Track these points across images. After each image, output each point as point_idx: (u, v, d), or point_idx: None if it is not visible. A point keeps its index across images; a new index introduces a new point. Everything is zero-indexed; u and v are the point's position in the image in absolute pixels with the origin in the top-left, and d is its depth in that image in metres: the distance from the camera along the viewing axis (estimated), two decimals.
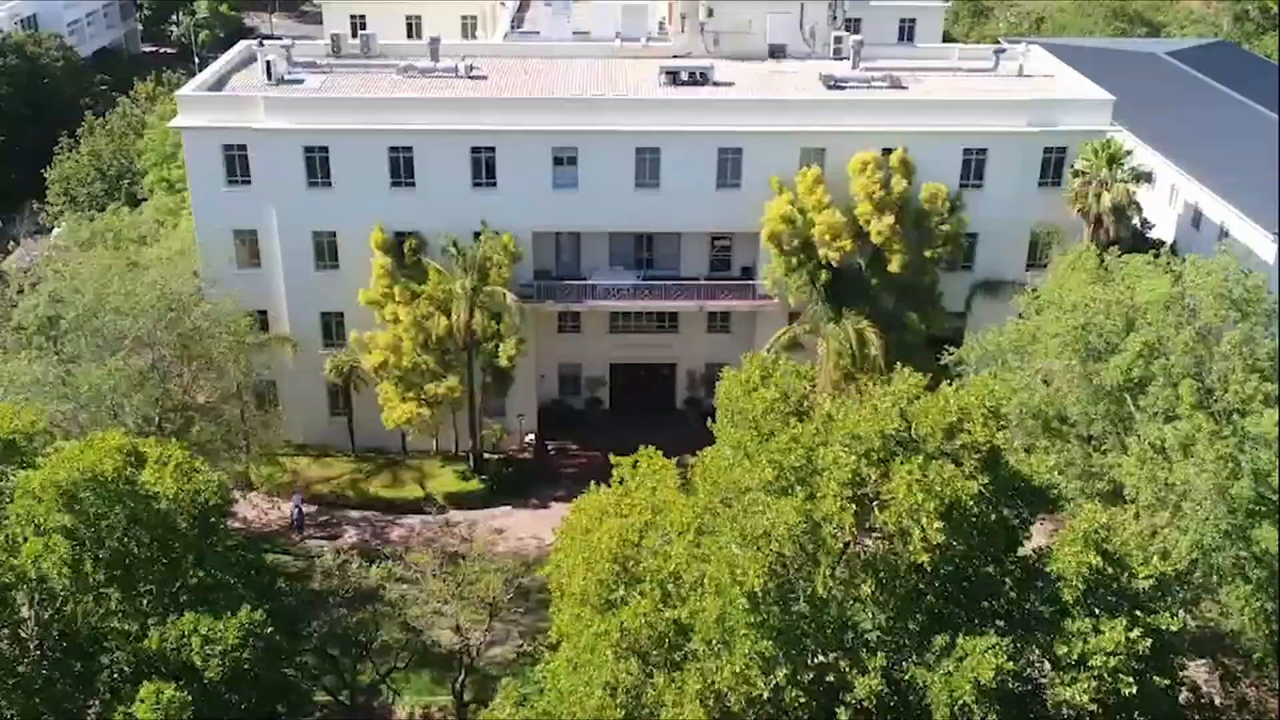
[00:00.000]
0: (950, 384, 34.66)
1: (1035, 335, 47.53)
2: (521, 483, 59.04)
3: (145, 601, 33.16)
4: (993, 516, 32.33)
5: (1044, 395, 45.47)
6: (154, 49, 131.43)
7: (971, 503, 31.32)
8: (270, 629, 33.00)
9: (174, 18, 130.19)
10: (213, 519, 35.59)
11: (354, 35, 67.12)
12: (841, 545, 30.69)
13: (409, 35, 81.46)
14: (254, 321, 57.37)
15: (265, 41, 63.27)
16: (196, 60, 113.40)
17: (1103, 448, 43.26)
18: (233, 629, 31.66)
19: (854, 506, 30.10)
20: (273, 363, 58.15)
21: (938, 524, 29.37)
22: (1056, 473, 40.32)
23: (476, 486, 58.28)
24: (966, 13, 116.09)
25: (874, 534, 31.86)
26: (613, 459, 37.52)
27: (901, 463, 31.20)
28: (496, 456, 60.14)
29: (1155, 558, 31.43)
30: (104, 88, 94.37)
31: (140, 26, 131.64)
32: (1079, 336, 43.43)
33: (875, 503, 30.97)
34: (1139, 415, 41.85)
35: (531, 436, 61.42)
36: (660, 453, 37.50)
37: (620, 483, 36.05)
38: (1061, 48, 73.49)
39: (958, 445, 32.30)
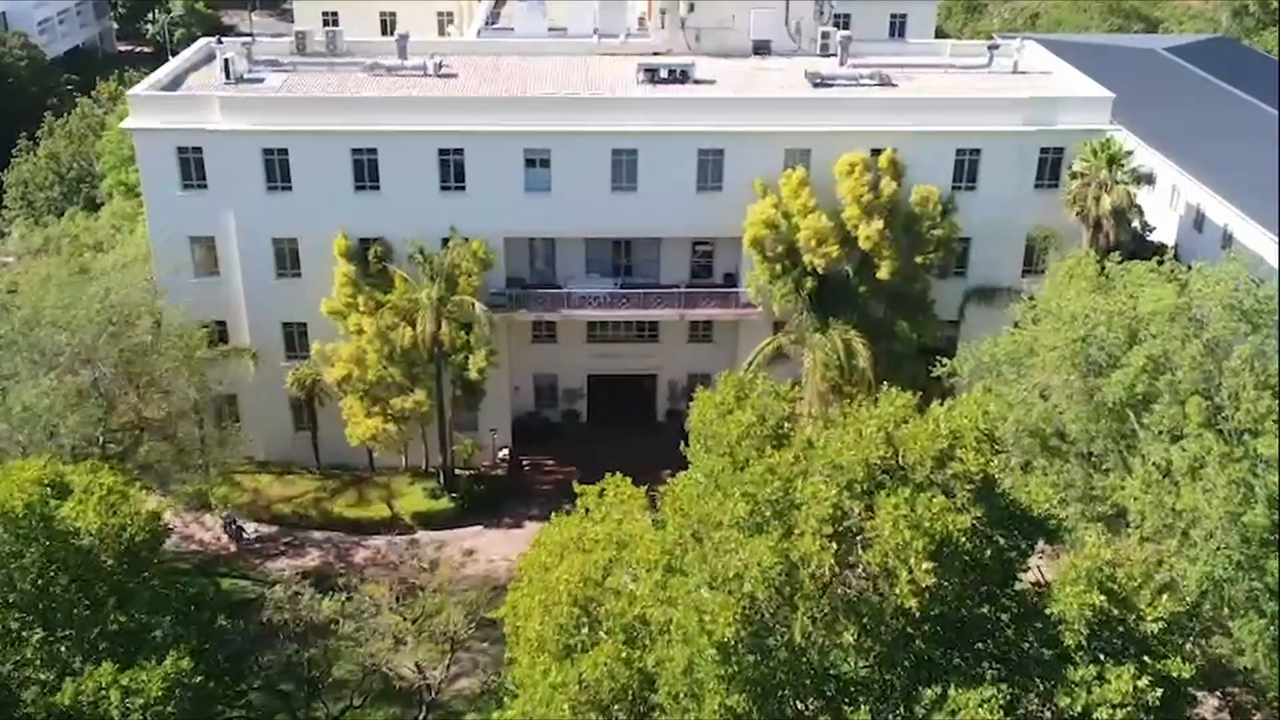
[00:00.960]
0: (942, 402, 32.00)
1: (1032, 347, 44.90)
2: (494, 500, 56.34)
3: (64, 648, 30.41)
4: (987, 551, 29.72)
5: (1041, 411, 42.84)
6: (130, 48, 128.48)
7: (964, 539, 28.67)
8: (201, 676, 30.24)
9: (149, 16, 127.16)
10: (143, 554, 32.94)
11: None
12: (821, 586, 27.99)
13: (384, 32, 78.60)
14: (211, 333, 54.80)
15: (224, 38, 60.44)
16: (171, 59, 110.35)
17: (1104, 467, 40.63)
18: (156, 680, 28.94)
19: (835, 545, 27.43)
20: (232, 375, 55.39)
21: (927, 564, 26.76)
22: (1056, 496, 37.77)
23: (446, 505, 55.56)
24: (960, 9, 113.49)
25: (857, 571, 29.18)
26: (577, 487, 34.68)
27: (888, 495, 28.56)
28: (468, 472, 57.42)
29: (1165, 598, 28.77)
30: (69, 88, 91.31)
31: (115, 25, 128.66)
32: (1079, 349, 40.81)
33: (859, 539, 28.31)
34: (1143, 434, 39.22)
35: (505, 451, 58.71)
36: (628, 480, 34.66)
37: (585, 513, 33.13)
38: (1057, 44, 70.89)
39: (949, 475, 29.66)
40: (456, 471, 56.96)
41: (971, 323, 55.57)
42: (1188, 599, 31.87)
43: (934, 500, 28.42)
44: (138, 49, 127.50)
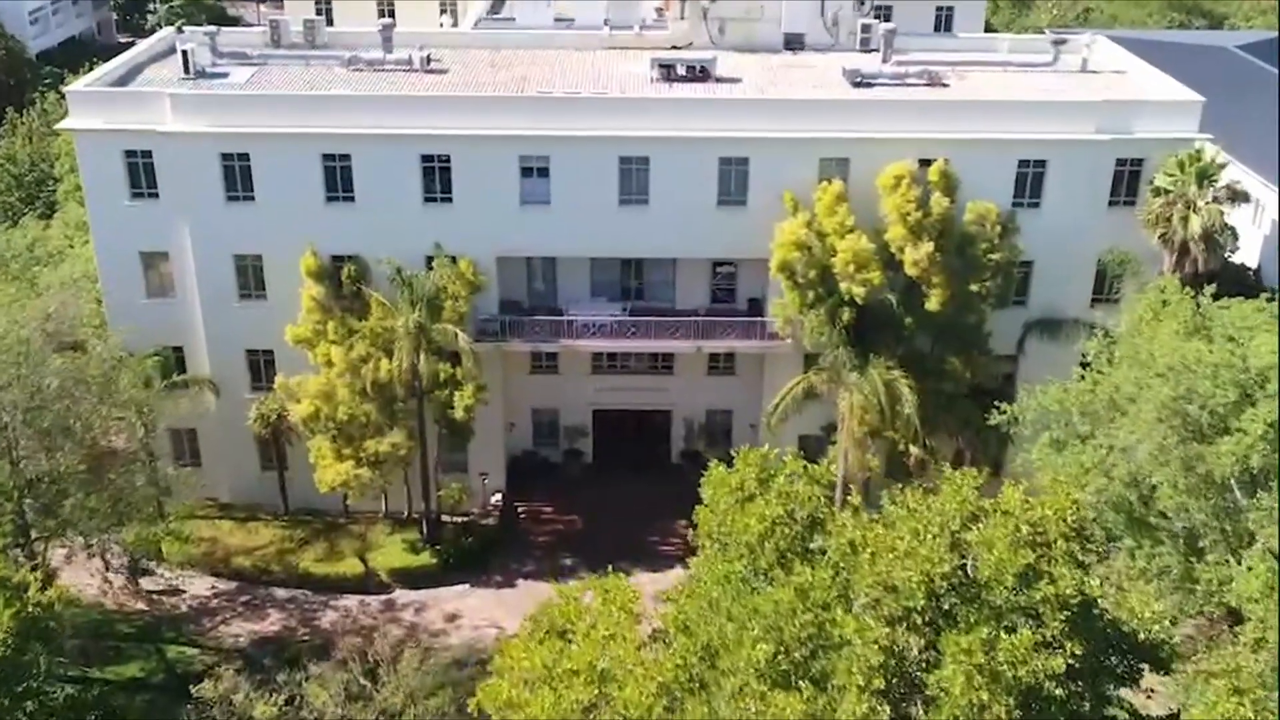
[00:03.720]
0: (997, 472, 25.03)
1: (1113, 398, 37.76)
2: (483, 555, 49.54)
3: None
4: (1086, 704, 22.74)
5: (1125, 474, 35.74)
6: (130, 39, 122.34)
7: (1058, 687, 21.72)
8: None
9: (150, 6, 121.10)
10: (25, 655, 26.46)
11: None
12: None
13: None
14: (166, 361, 48.37)
15: (186, 28, 53.87)
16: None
17: (1207, 555, 33.46)
18: None
19: (888, 709, 20.50)
20: (191, 408, 48.87)
21: None
22: (1152, 590, 30.71)
23: (428, 560, 48.79)
24: (1006, 3, 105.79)
25: None
26: (555, 588, 27.83)
27: (957, 633, 21.60)
28: (456, 520, 50.67)
29: None
30: (48, 81, 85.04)
31: (115, 15, 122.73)
32: (1176, 409, 33.64)
33: (919, 695, 21.39)
34: (1255, 515, 32.05)
35: (498, 497, 51.96)
36: (623, 579, 27.70)
37: (563, 635, 26.17)
38: (1116, 40, 63.38)
39: (1037, 597, 22.68)
40: (442, 518, 50.24)
41: (1031, 359, 48.44)
42: None
43: (1018, 639, 21.46)
44: (137, 40, 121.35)
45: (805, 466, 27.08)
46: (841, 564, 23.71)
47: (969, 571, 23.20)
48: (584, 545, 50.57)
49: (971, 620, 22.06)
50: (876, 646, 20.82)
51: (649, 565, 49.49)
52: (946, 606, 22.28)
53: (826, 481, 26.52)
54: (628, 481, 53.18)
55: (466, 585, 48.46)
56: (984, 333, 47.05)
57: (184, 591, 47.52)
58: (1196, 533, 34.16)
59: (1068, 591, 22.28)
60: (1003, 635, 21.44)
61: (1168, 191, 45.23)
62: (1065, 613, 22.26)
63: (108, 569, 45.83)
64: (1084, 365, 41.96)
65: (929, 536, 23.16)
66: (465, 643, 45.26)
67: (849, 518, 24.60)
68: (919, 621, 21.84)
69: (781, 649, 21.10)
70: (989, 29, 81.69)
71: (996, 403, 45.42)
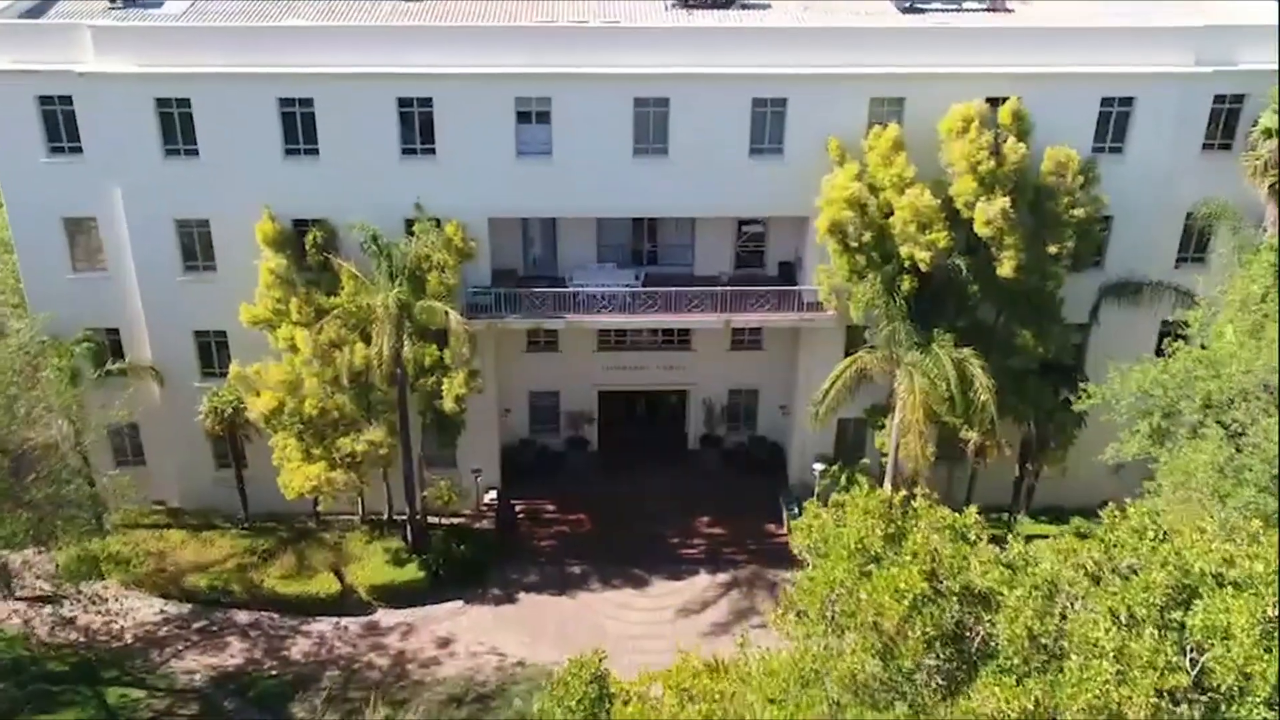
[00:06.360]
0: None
1: (1244, 386, 31.46)
2: (478, 564, 42.72)
3: None
4: None
5: (1265, 477, 29.58)
6: None
7: None
8: None
9: None
10: None
11: None
12: None
13: None
14: (99, 345, 41.10)
15: None
16: None
17: None
18: None
19: None
20: (131, 401, 41.52)
21: None
22: None
23: (415, 574, 41.89)
24: None
25: None
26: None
27: None
28: (445, 524, 43.79)
29: None
30: None
31: None
32: None
33: None
34: None
35: (492, 495, 45.09)
36: (692, 656, 20.99)
37: None
38: None
39: None
40: (429, 524, 43.34)
41: (1106, 328, 42.04)
42: None
43: None
44: None
45: (929, 501, 20.60)
46: (1023, 664, 17.12)
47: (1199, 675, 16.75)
48: (593, 549, 44.02)
49: None
50: None
51: (669, 571, 43.50)
52: None
53: (974, 530, 19.84)
54: (640, 472, 46.58)
55: (460, 602, 41.74)
56: (1058, 300, 40.49)
57: (124, 618, 40.42)
58: None
59: None
60: None
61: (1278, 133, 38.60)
62: None
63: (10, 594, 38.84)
64: (1178, 337, 35.81)
65: (1148, 628, 16.61)
66: (461, 674, 38.81)
67: (1024, 600, 17.87)
68: None
69: None
70: None
71: (1075, 379, 39.41)
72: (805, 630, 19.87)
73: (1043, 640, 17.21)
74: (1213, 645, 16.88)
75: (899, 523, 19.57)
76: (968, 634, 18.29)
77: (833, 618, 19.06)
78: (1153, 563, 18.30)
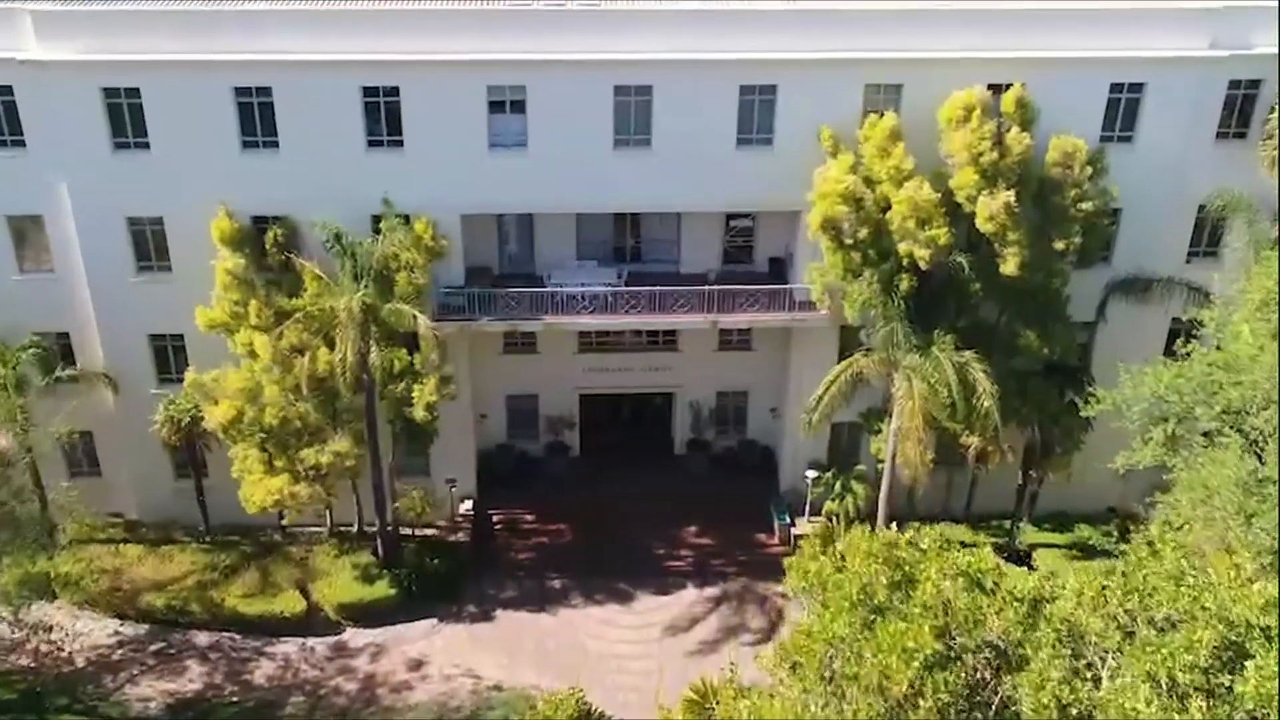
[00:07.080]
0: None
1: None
2: (452, 579, 40.50)
3: None
4: None
5: None
6: None
7: None
8: None
9: None
10: None
11: None
12: None
13: None
14: (47, 351, 38.75)
15: None
16: None
17: None
18: None
19: None
20: (83, 409, 39.18)
21: None
22: None
23: (386, 591, 39.63)
24: None
25: None
26: None
27: None
28: (418, 536, 41.56)
29: None
30: None
31: None
32: None
33: None
34: None
35: (468, 505, 42.85)
36: None
37: None
38: None
39: None
40: (402, 535, 41.10)
41: (1113, 326, 39.86)
42: None
43: None
44: None
45: (937, 542, 18.39)
46: None
47: None
48: (575, 562, 41.82)
49: None
50: None
51: (655, 585, 41.39)
52: None
53: (990, 576, 17.64)
54: (623, 479, 44.36)
55: (433, 620, 39.52)
56: (1064, 298, 38.32)
57: (75, 641, 38.06)
58: None
59: None
60: None
61: None
62: None
63: None
64: (1190, 337, 33.68)
65: (1195, 701, 14.46)
66: (434, 699, 36.61)
67: (1050, 661, 15.69)
68: None
69: None
70: None
71: (1081, 381, 37.42)
72: (802, 687, 17.66)
73: (1073, 710, 15.03)
74: (1268, 715, 14.78)
75: (905, 568, 17.33)
76: (985, 694, 16.10)
77: (832, 677, 16.84)
78: (1193, 613, 16.20)
